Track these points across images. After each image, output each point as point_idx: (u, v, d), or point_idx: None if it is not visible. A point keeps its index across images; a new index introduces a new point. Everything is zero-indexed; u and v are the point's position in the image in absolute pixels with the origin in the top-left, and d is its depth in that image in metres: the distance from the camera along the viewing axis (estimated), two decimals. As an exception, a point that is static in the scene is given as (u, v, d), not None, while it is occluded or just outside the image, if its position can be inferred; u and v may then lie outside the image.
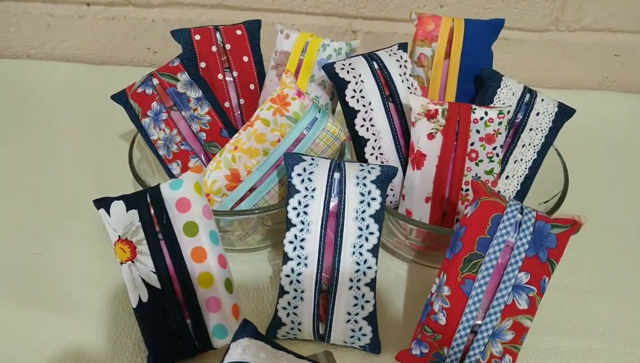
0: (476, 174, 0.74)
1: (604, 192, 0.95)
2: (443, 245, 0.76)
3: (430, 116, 0.74)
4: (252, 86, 0.87)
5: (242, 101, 0.86)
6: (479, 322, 0.62)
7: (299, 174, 0.68)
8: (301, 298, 0.66)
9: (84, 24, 1.17)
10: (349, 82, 0.77)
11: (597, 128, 1.07)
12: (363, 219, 0.66)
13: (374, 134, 0.78)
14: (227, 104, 0.85)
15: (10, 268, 0.77)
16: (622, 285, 0.79)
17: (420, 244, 0.77)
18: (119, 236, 0.66)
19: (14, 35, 1.19)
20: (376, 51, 0.81)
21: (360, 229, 0.66)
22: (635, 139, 1.08)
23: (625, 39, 1.12)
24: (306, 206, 0.66)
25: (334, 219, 0.66)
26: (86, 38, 1.19)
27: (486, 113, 0.73)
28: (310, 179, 0.67)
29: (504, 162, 0.79)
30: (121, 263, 0.66)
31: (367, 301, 0.66)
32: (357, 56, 0.80)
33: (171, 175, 0.79)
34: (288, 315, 0.67)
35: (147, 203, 0.66)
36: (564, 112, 0.81)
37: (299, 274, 0.66)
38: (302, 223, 0.66)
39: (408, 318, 0.74)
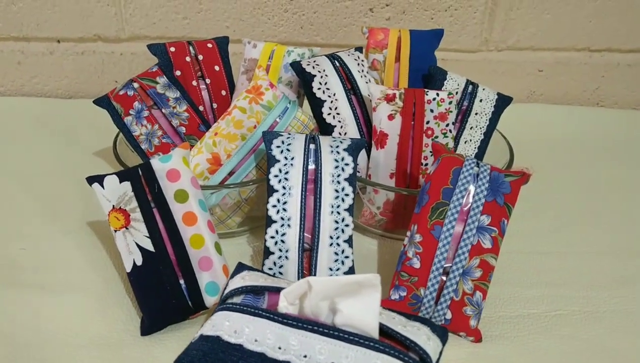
0: (433, 150, 0.83)
1: (544, 177, 1.06)
2: (409, 211, 0.83)
3: (389, 99, 0.83)
4: (223, 92, 0.94)
5: (214, 105, 0.93)
6: (450, 264, 0.69)
7: (278, 146, 0.74)
8: (286, 257, 0.71)
9: (53, 60, 1.22)
10: (315, 75, 0.86)
11: (529, 136, 1.19)
12: (339, 182, 0.73)
13: (339, 121, 0.86)
14: (201, 108, 0.92)
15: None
16: (570, 247, 0.88)
17: (390, 213, 0.84)
18: (113, 205, 0.70)
19: (-18, 74, 1.23)
20: (336, 52, 0.91)
21: (337, 191, 0.72)
22: (564, 142, 1.20)
23: (546, 56, 1.26)
24: (286, 173, 0.73)
25: (312, 184, 0.73)
26: (55, 74, 1.24)
27: (437, 94, 0.83)
28: (288, 150, 0.74)
29: (455, 143, 0.89)
30: (115, 231, 0.69)
31: (347, 257, 0.72)
32: (320, 56, 0.90)
33: (153, 168, 0.84)
34: (274, 275, 0.72)
35: (139, 175, 0.71)
36: (503, 99, 0.92)
37: (283, 234, 0.71)
38: (284, 188, 0.72)
39: (383, 282, 0.79)
